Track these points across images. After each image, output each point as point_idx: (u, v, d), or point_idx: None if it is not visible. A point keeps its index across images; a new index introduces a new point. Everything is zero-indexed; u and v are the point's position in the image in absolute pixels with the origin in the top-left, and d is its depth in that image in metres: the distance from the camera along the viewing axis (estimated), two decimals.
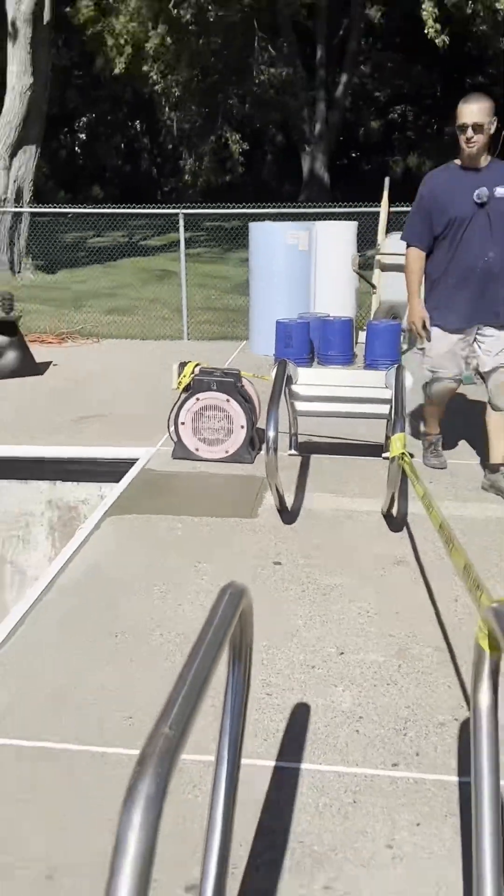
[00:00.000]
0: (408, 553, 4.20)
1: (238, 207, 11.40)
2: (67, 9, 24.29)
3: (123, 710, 2.95)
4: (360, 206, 10.42)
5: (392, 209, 9.52)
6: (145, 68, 24.02)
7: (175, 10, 20.94)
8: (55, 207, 17.73)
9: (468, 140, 4.46)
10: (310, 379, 4.99)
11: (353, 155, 40.33)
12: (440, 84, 37.53)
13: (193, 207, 13.03)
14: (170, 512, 4.70)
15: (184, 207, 10.67)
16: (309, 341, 7.84)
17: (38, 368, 8.05)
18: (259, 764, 2.68)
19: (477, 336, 4.76)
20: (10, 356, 7.83)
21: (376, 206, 9.34)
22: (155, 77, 24.51)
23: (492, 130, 4.49)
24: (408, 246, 4.85)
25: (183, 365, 5.49)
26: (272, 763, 2.69)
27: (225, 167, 32.30)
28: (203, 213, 14.91)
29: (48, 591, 3.81)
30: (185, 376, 5.45)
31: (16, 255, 16.57)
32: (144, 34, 24.62)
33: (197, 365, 5.50)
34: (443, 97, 38.91)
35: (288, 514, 4.63)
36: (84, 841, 2.38)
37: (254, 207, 11.24)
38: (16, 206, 16.29)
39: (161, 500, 4.89)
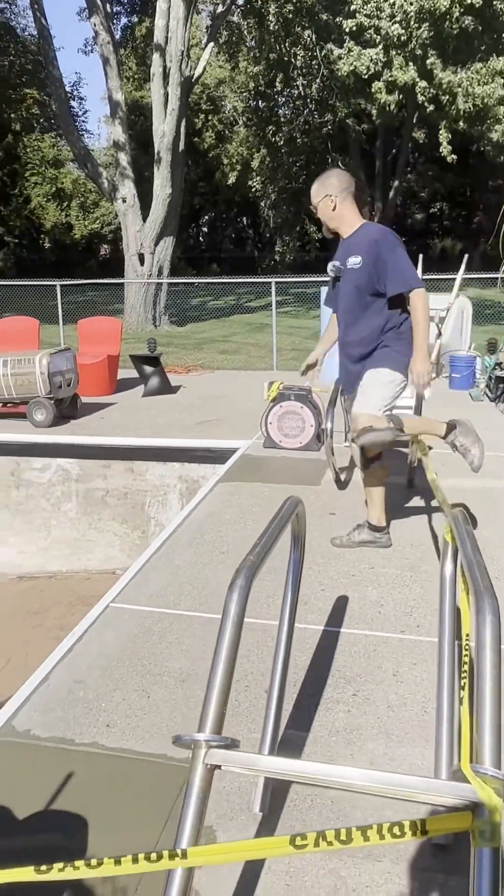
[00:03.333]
0: (422, 507, 4.52)
1: (313, 277, 11.74)
2: (195, 139, 25.03)
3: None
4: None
5: (427, 277, 9.75)
6: (250, 183, 24.50)
7: (273, 138, 21.42)
8: (185, 279, 18.24)
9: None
10: None
11: (403, 239, 40.04)
12: (468, 185, 37.20)
13: (283, 278, 13.46)
14: (260, 481, 5.07)
15: (275, 278, 11.00)
16: None
17: (173, 389, 8.50)
18: (314, 628, 3.05)
19: None
20: (155, 381, 8.31)
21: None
22: (257, 186, 24.98)
23: (332, 206, 3.38)
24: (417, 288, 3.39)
25: (271, 383, 5.87)
26: (321, 627, 3.07)
27: (305, 249, 32.68)
28: (289, 282, 15.22)
29: (181, 526, 4.27)
30: (272, 391, 5.83)
31: (157, 313, 17.19)
32: (250, 155, 25.19)
33: (281, 384, 5.87)
34: (470, 195, 38.59)
35: (341, 484, 4.95)
36: (199, 663, 2.81)
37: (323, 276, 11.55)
38: (158, 279, 16.93)
39: (255, 474, 5.28)
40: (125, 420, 7.14)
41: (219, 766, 1.46)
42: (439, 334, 8.82)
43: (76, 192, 36.79)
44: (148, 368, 8.30)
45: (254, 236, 41.02)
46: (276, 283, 10.56)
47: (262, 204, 28.52)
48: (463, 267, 9.39)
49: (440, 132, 17.84)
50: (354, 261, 3.39)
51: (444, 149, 18.07)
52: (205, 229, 40.66)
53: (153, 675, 2.74)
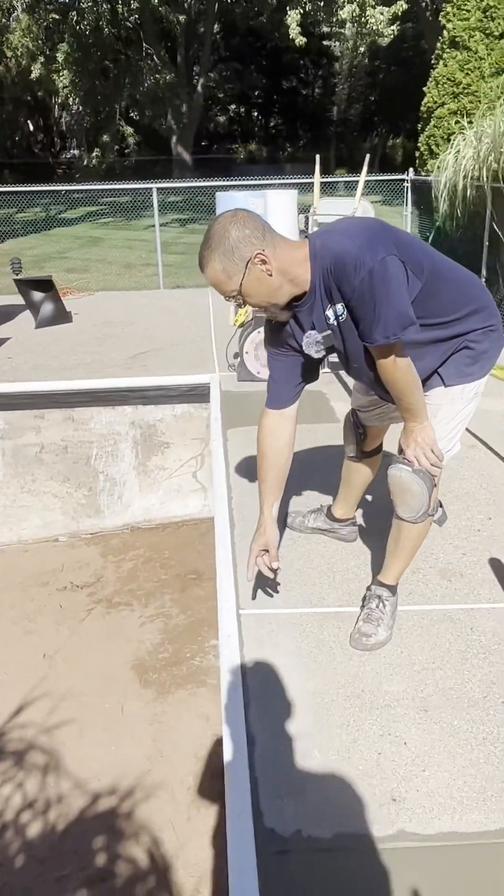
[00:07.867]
0: None
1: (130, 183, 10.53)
2: None
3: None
4: (214, 181, 9.93)
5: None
6: (56, 78, 21.70)
7: (78, 27, 18.94)
8: (22, 187, 15.76)
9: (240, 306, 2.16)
10: None
11: (203, 143, 38.56)
12: (265, 87, 36.27)
13: (168, 183, 12.08)
14: None
15: (156, 184, 9.42)
16: None
17: (70, 318, 7.28)
18: None
19: None
20: (48, 308, 7.02)
21: (223, 181, 9.10)
22: (65, 82, 22.26)
23: (268, 269, 1.92)
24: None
25: (240, 305, 5.06)
26: None
27: (124, 153, 30.25)
28: (185, 186, 13.30)
29: (231, 490, 3.50)
30: (240, 315, 5.05)
31: None
32: (37, 48, 22.26)
33: (248, 307, 5.10)
34: (264, 97, 37.71)
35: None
36: (418, 678, 2.21)
37: (143, 183, 10.44)
38: None
39: (253, 414, 4.56)
40: (40, 359, 5.95)
41: None
42: None
43: None
44: (37, 295, 7.00)
45: (45, 140, 37.27)
46: (157, 188, 9.26)
47: (70, 101, 25.70)
48: (365, 168, 8.91)
49: (288, 15, 16.85)
50: (338, 312, 1.99)
51: (293, 31, 17.21)
52: None
53: (373, 706, 2.09)
